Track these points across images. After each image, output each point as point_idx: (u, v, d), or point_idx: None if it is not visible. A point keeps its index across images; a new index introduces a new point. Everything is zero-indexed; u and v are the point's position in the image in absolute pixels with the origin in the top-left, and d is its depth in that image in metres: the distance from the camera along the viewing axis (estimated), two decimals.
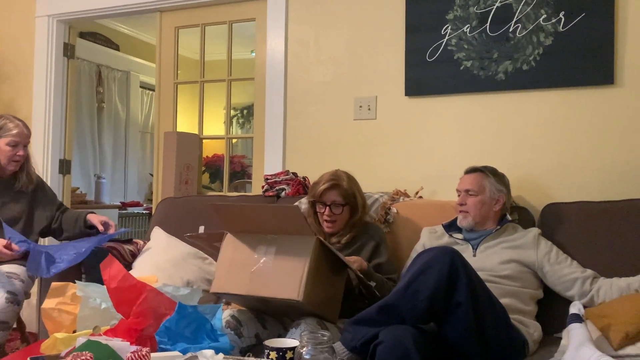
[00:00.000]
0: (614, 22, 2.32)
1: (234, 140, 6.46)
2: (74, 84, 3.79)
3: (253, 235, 1.87)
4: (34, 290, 2.48)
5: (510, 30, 2.48)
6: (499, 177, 2.16)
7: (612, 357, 1.45)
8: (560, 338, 1.71)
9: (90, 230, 2.54)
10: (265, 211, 1.89)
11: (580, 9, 2.37)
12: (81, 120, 4.96)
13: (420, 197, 2.56)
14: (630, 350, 1.57)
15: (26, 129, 2.50)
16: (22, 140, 2.47)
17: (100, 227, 2.49)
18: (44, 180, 2.76)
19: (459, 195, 2.16)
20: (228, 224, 1.93)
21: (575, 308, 1.68)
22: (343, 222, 2.17)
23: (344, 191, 2.13)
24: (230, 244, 1.91)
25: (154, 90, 3.54)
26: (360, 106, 2.79)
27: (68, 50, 3.64)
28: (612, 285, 1.89)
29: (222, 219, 1.92)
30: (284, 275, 1.76)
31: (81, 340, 1.52)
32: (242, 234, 1.90)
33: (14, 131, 2.45)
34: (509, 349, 1.70)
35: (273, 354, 1.40)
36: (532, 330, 1.86)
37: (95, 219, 2.53)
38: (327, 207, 2.14)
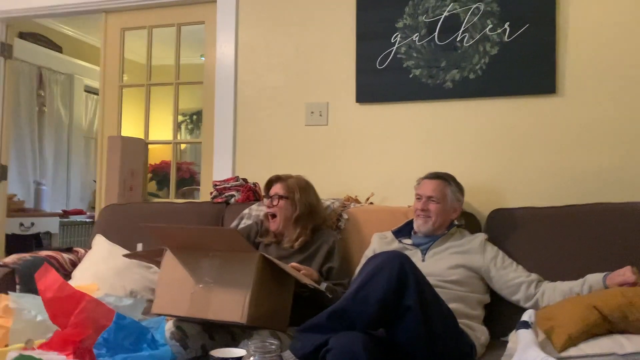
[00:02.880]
0: (556, 33, 2.41)
1: (183, 146, 6.33)
2: (12, 85, 3.61)
3: (193, 252, 1.80)
4: None
5: (458, 39, 2.53)
6: (459, 187, 2.19)
7: (556, 359, 1.47)
8: (507, 342, 1.74)
9: None
10: (202, 233, 1.83)
11: (524, 21, 2.44)
12: (19, 124, 4.73)
13: (371, 203, 2.57)
14: (572, 352, 1.60)
15: None
16: None
17: None
18: None
19: (418, 199, 2.15)
20: (165, 242, 1.86)
21: (526, 316, 1.70)
22: (284, 218, 2.21)
23: (286, 185, 2.25)
24: (170, 263, 1.83)
25: (99, 94, 3.42)
26: (312, 112, 2.77)
27: (5, 50, 3.47)
28: (556, 289, 1.93)
29: (159, 238, 1.85)
30: (226, 296, 1.70)
31: (12, 355, 1.44)
32: (181, 251, 1.82)
33: None
34: (457, 352, 1.71)
35: None
36: (479, 334, 1.88)
37: None
38: (270, 199, 2.22)
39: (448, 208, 2.13)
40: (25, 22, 4.40)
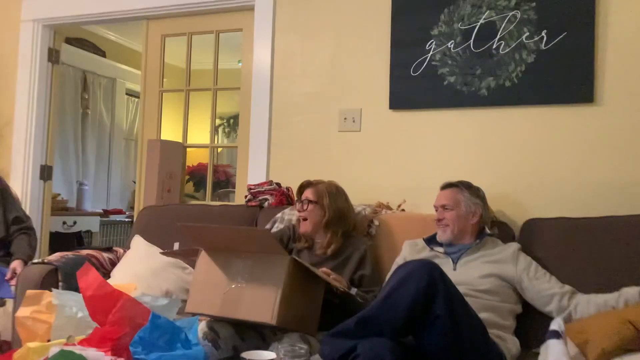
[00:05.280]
0: (594, 41, 2.37)
1: (220, 150, 6.44)
2: (58, 89, 3.76)
3: (227, 253, 1.85)
4: None
5: (494, 47, 2.52)
6: (473, 191, 2.19)
7: None
8: (538, 353, 1.72)
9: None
10: (235, 233, 1.87)
11: (562, 28, 2.41)
12: (65, 126, 4.91)
13: (403, 210, 2.57)
14: None
15: None
16: None
17: (8, 275, 2.52)
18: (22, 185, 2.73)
19: (436, 210, 2.19)
20: (200, 242, 1.91)
21: (555, 324, 1.68)
22: (314, 222, 2.24)
23: (316, 190, 2.29)
24: (204, 263, 1.88)
25: (139, 97, 3.53)
26: (345, 118, 2.80)
27: (53, 56, 3.61)
28: (590, 302, 1.90)
29: (193, 238, 1.90)
30: (257, 297, 1.74)
31: (54, 350, 1.50)
32: (215, 252, 1.88)
33: None
34: None
35: None
36: (510, 344, 1.86)
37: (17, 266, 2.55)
38: (300, 203, 2.27)
39: (464, 213, 2.13)
40: (71, 28, 4.56)
